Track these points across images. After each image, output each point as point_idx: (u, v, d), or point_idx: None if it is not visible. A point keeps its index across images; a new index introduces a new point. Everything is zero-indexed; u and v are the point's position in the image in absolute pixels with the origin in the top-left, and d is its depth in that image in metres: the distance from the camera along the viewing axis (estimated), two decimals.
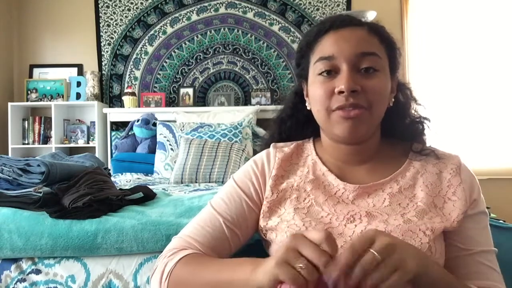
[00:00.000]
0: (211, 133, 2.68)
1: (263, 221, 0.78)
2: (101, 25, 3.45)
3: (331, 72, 0.74)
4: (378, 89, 0.73)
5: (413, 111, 0.84)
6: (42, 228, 1.05)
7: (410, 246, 0.59)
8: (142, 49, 3.45)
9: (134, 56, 3.45)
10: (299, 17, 3.41)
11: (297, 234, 0.54)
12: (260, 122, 3.00)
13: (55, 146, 3.19)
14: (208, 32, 3.43)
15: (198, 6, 3.43)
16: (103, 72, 3.46)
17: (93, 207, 1.11)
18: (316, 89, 0.75)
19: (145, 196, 1.33)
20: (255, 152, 1.30)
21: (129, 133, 3.13)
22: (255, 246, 0.84)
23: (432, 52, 3.23)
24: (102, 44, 3.46)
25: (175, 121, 3.02)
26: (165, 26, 3.44)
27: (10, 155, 3.01)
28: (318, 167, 0.81)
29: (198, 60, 3.43)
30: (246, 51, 3.43)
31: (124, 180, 2.40)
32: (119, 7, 3.45)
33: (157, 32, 3.44)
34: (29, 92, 3.36)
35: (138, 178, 2.54)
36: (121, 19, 3.45)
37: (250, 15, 3.43)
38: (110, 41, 3.45)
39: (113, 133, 3.25)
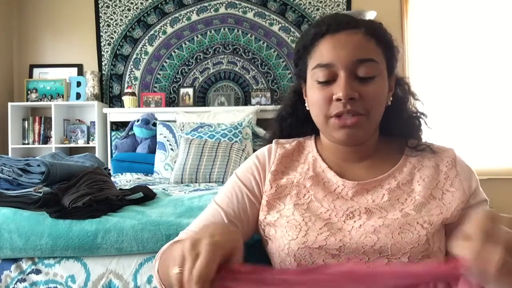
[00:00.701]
0: (211, 133, 2.68)
1: (262, 215, 0.79)
2: (101, 25, 3.45)
3: (329, 80, 0.75)
4: (375, 95, 0.74)
5: (410, 106, 0.85)
6: (42, 228, 1.05)
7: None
8: (142, 49, 3.45)
9: (134, 56, 3.45)
10: (299, 17, 3.41)
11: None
12: (260, 122, 2.99)
13: (55, 146, 3.18)
14: (208, 32, 3.43)
15: (198, 6, 3.43)
16: (103, 72, 3.45)
17: (93, 207, 1.11)
18: (314, 94, 0.77)
19: (145, 196, 1.33)
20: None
21: (129, 133, 3.12)
22: (255, 246, 0.84)
23: (432, 52, 3.23)
24: (102, 44, 3.45)
25: (175, 121, 3.01)
26: (165, 26, 3.44)
27: (10, 155, 3.00)
28: (318, 164, 0.82)
29: (198, 60, 3.43)
30: (246, 51, 3.43)
31: (124, 180, 2.40)
32: (119, 7, 3.44)
33: (157, 32, 3.44)
34: (29, 92, 3.35)
35: (138, 178, 2.54)
36: (121, 19, 3.45)
37: (250, 15, 3.42)
38: (110, 41, 3.45)
39: (113, 133, 3.25)
